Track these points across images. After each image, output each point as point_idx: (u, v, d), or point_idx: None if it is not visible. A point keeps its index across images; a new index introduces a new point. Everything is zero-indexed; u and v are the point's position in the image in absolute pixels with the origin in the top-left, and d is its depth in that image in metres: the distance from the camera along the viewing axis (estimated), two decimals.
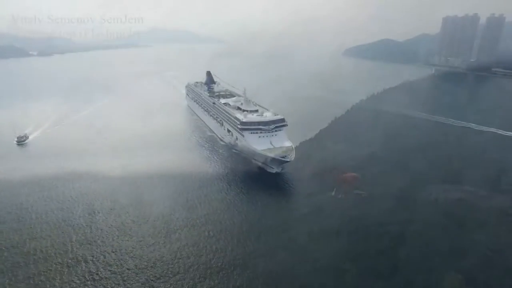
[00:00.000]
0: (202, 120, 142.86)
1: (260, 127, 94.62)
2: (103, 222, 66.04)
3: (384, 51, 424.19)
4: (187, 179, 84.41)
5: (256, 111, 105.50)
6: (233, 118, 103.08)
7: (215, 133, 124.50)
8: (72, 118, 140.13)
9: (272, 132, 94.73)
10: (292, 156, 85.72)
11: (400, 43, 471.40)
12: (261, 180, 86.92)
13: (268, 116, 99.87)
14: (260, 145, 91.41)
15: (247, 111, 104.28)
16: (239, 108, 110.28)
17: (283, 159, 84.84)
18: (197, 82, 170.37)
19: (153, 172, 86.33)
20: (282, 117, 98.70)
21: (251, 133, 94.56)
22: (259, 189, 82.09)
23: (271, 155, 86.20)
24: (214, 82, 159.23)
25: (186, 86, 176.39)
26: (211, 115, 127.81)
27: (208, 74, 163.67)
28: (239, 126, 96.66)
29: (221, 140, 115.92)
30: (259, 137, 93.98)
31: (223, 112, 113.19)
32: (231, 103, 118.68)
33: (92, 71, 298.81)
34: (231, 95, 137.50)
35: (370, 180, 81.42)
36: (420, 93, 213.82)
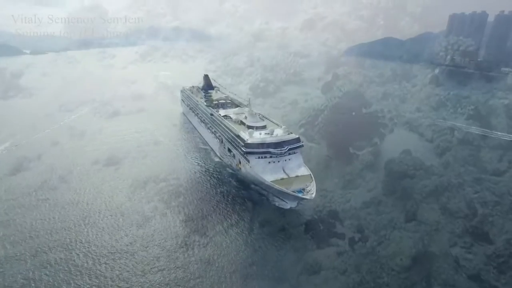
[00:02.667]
0: (198, 132, 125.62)
1: (270, 150, 76.25)
2: None
3: (387, 50, 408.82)
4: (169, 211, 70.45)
5: (264, 127, 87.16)
6: (235, 137, 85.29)
7: (210, 146, 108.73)
8: (45, 131, 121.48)
9: (285, 156, 76.93)
10: (312, 192, 67.15)
11: (403, 42, 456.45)
12: (266, 217, 68.65)
13: (279, 134, 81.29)
14: (270, 174, 73.53)
15: (252, 127, 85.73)
16: (242, 123, 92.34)
17: (301, 196, 67.26)
18: (193, 87, 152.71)
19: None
20: (297, 136, 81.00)
21: (259, 157, 76.46)
22: (262, 230, 64.83)
23: (286, 190, 67.94)
24: (212, 88, 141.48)
25: (181, 91, 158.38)
26: (208, 128, 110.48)
27: (206, 78, 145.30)
28: (243, 149, 78.31)
29: (217, 157, 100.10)
30: (269, 162, 76.14)
31: (223, 127, 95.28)
32: (232, 116, 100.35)
33: (79, 71, 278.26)
34: (233, 104, 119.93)
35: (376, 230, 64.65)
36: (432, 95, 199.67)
